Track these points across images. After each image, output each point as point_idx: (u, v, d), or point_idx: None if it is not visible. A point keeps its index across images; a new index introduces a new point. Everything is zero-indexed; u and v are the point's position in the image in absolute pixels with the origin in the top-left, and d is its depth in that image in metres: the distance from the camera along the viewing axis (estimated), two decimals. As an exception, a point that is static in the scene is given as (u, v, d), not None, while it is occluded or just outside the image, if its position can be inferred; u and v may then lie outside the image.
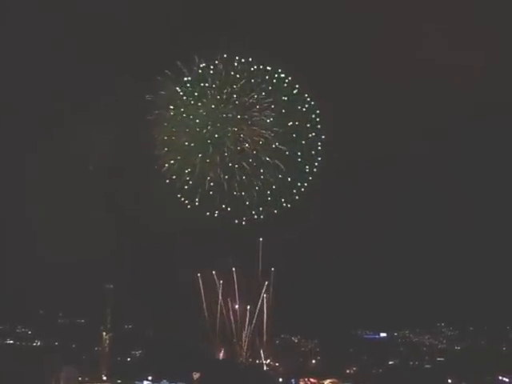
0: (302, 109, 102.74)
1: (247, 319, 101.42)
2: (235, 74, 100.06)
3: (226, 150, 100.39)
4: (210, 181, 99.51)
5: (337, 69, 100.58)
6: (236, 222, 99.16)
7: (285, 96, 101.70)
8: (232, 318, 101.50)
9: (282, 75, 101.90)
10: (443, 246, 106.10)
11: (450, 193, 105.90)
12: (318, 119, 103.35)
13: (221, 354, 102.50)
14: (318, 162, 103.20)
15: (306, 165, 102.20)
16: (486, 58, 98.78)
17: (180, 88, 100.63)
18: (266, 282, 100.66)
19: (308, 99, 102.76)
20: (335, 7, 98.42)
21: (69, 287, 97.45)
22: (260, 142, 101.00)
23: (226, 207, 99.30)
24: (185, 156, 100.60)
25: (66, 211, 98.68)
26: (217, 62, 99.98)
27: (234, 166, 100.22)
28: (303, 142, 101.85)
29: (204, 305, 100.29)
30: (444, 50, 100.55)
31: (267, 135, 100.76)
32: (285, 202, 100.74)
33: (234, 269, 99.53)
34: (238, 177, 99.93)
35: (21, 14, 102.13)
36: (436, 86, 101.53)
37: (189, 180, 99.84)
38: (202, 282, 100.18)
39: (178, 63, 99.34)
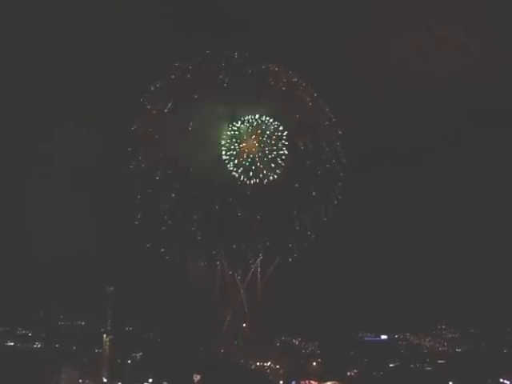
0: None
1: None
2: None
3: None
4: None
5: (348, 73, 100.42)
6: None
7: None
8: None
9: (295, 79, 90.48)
10: (444, 249, 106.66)
11: (450, 198, 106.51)
12: (338, 143, 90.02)
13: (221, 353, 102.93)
14: (336, 198, 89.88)
15: (324, 205, 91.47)
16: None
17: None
18: (261, 255, 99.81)
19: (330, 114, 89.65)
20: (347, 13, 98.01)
21: (69, 289, 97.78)
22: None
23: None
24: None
25: (67, 214, 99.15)
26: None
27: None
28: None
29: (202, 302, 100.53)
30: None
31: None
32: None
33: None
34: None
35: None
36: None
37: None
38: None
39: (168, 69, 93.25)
